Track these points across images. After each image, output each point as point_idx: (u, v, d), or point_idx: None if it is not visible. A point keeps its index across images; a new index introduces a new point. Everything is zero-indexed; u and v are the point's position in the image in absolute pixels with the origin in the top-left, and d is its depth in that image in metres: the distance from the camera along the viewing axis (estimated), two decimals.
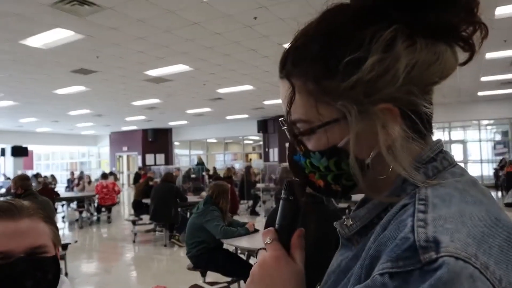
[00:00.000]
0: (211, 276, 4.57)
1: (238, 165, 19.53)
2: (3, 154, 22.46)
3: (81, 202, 10.89)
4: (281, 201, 0.68)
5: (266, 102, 14.68)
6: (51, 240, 1.01)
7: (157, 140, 23.13)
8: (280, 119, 0.68)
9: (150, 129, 22.77)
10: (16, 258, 0.93)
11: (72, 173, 18.05)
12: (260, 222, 4.52)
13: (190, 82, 10.88)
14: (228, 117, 19.00)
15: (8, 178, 17.25)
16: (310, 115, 0.59)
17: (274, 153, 19.26)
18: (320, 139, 0.59)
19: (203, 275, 4.62)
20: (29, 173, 17.97)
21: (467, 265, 0.44)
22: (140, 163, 22.74)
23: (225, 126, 21.38)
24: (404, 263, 0.46)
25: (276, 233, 0.65)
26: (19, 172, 15.58)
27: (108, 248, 8.50)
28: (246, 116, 18.61)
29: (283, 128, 0.65)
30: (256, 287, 0.62)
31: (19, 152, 22.40)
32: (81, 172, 17.90)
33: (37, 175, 15.70)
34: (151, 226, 8.90)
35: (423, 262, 0.45)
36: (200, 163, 20.86)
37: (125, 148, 24.19)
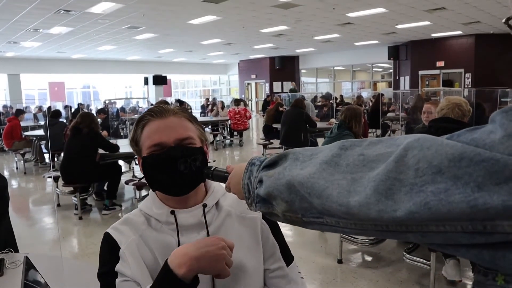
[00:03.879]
0: None
1: (366, 94, 18.92)
2: (146, 83, 24.82)
3: (216, 126, 11.66)
4: None
5: (400, 26, 13.67)
6: (196, 135, 1.16)
7: (284, 68, 23.31)
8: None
9: (277, 56, 22.94)
10: (168, 147, 1.10)
11: (207, 99, 19.15)
12: None
13: (319, 7, 10.55)
14: (357, 43, 18.19)
15: (152, 104, 18.98)
16: None
17: (405, 81, 18.21)
18: None
19: None
20: (169, 99, 19.49)
21: None
22: (267, 91, 23.32)
23: (353, 53, 20.57)
24: None
25: None
26: (160, 99, 16.89)
27: None
28: (376, 42, 17.63)
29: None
30: None
31: (160, 80, 24.53)
32: (214, 99, 18.96)
33: (179, 101, 16.51)
34: (281, 150, 9.22)
35: None
36: (293, 90, 20.78)
37: (253, 76, 24.89)
